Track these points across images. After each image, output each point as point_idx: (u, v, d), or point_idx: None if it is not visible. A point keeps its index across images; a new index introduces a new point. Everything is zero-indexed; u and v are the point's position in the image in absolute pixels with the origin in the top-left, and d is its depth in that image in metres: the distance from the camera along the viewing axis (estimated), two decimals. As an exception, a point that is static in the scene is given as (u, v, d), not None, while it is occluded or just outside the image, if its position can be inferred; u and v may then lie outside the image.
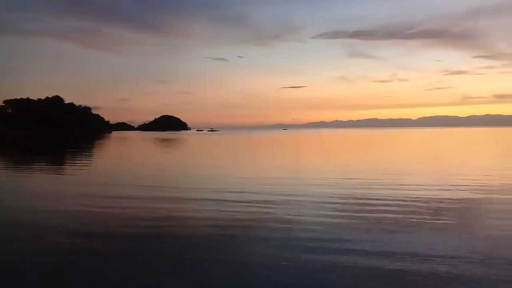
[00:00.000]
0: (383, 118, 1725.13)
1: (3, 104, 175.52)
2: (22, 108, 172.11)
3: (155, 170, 25.86)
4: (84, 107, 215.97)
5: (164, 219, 11.56)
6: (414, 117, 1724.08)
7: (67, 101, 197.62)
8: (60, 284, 6.92)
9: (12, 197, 15.57)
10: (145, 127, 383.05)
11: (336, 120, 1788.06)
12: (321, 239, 9.32)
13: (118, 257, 8.22)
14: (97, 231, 10.23)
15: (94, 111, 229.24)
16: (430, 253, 8.22)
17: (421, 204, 13.16)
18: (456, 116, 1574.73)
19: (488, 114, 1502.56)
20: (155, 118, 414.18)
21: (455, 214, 11.85)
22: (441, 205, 13.09)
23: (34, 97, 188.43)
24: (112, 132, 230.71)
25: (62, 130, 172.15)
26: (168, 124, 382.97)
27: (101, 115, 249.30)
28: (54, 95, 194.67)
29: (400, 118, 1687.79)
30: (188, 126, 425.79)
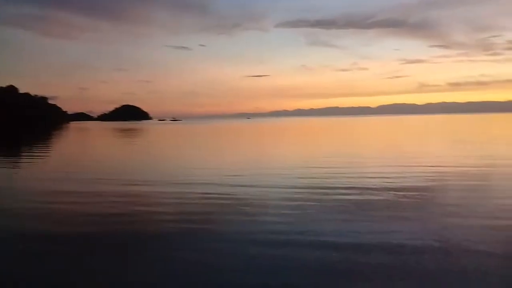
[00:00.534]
0: (344, 106, 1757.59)
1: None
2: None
3: (112, 163, 25.08)
4: (41, 97, 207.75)
5: (118, 215, 10.97)
6: (373, 105, 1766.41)
7: (22, 91, 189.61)
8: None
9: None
10: (105, 117, 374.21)
11: (299, 109, 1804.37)
12: (284, 231, 9.13)
13: (63, 257, 7.75)
14: (42, 230, 9.59)
15: (51, 101, 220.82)
16: (390, 241, 8.22)
17: (381, 192, 13.24)
18: (414, 104, 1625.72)
19: (443, 102, 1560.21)
20: (116, 108, 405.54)
21: (413, 202, 11.95)
22: (400, 193, 13.18)
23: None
24: (71, 122, 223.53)
25: (17, 121, 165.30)
26: (129, 113, 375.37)
27: (59, 105, 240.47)
28: (7, 84, 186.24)
29: (360, 106, 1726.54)
30: (150, 115, 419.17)
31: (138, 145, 43.78)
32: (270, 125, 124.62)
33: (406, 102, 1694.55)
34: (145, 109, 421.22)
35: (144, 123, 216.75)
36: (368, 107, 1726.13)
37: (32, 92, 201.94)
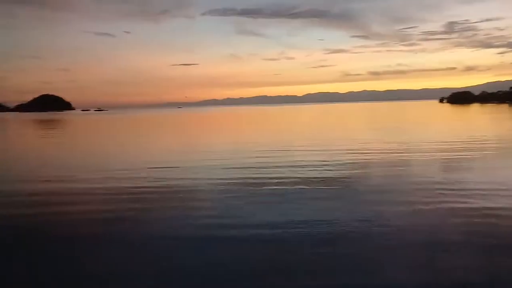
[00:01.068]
0: (272, 95, 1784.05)
1: None
2: None
3: (28, 159, 24.09)
4: None
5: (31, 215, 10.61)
6: (300, 94, 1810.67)
7: None
8: None
9: None
10: (23, 107, 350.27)
11: (228, 98, 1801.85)
12: (212, 224, 9.43)
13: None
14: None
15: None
16: (314, 219, 9.13)
17: (309, 179, 14.03)
18: (337, 93, 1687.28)
19: (364, 90, 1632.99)
20: (34, 98, 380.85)
21: (338, 187, 12.84)
22: (326, 178, 14.06)
23: None
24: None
25: None
26: (49, 104, 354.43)
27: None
28: None
29: (287, 95, 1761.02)
30: (73, 105, 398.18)
31: (58, 138, 41.95)
32: (201, 115, 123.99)
33: (330, 91, 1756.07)
34: (67, 99, 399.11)
35: (66, 113, 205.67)
36: (295, 96, 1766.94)
37: None
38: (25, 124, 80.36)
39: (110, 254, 7.68)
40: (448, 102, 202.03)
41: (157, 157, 22.11)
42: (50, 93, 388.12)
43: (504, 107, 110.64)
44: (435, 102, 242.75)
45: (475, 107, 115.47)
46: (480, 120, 51.67)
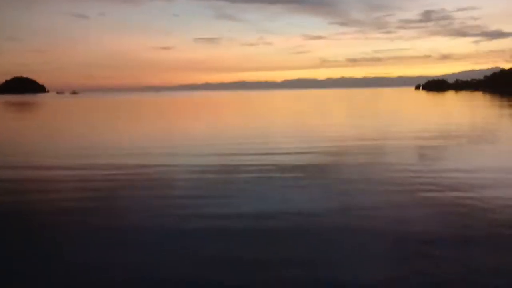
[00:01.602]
0: (251, 80, 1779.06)
1: None
2: None
3: None
4: None
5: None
6: (278, 80, 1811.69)
7: None
8: None
9: None
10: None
11: (207, 83, 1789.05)
12: (191, 205, 9.60)
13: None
14: None
15: None
16: (293, 207, 9.17)
17: (286, 164, 14.16)
18: (315, 79, 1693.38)
19: (342, 77, 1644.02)
20: (6, 80, 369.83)
21: (315, 172, 13.02)
22: (303, 163, 14.28)
23: None
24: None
25: None
26: (23, 86, 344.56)
27: None
28: None
29: (266, 81, 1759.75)
30: (47, 88, 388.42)
31: (28, 121, 40.86)
32: (181, 100, 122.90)
33: (308, 77, 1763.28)
34: (41, 81, 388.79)
35: (40, 96, 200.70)
36: (274, 82, 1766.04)
37: None
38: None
39: (81, 246, 7.44)
40: (424, 89, 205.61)
41: (132, 143, 21.61)
42: (25, 75, 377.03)
43: (478, 94, 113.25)
44: (411, 89, 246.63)
45: (450, 95, 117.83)
46: (454, 108, 52.77)
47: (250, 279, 5.99)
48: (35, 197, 10.82)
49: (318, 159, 15.70)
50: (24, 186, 12.15)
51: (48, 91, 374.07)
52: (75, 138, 24.57)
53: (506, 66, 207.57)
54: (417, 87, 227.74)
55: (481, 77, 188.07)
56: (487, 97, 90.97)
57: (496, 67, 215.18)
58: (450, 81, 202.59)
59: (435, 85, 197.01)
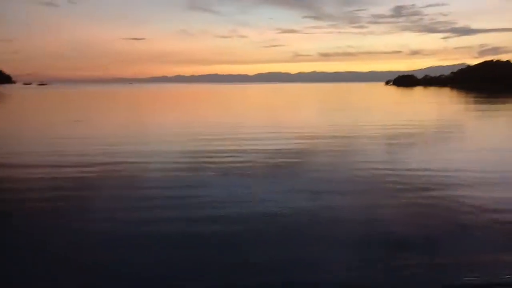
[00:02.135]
0: (224, 73, 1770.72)
1: None
2: None
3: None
4: None
5: None
6: (251, 73, 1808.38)
7: None
8: None
9: None
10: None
11: (179, 75, 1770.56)
12: (166, 205, 9.95)
13: None
14: None
15: None
16: (267, 204, 9.52)
17: (257, 160, 14.58)
18: (288, 73, 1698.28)
19: (314, 71, 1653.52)
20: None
21: (287, 167, 13.48)
22: (275, 159, 14.66)
23: None
24: None
25: None
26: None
27: None
28: None
29: (239, 74, 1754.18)
30: (13, 79, 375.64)
31: None
32: (151, 92, 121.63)
33: (281, 71, 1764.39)
34: (6, 71, 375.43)
35: (5, 87, 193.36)
36: (246, 75, 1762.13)
37: None
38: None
39: (47, 247, 7.26)
40: (393, 85, 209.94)
41: (100, 138, 20.89)
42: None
43: (446, 90, 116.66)
44: (382, 84, 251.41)
45: (418, 90, 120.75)
46: (422, 104, 54.62)
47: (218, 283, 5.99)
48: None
49: (286, 157, 15.51)
50: None
51: (15, 82, 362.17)
52: (32, 133, 23.79)
53: (473, 62, 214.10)
54: (387, 83, 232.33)
55: (448, 73, 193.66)
56: (454, 93, 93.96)
57: (463, 64, 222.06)
58: (419, 76, 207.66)
59: (405, 81, 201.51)
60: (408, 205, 9.36)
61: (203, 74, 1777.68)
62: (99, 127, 26.04)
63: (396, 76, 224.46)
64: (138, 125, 27.79)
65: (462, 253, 6.84)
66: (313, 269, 6.34)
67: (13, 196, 10.24)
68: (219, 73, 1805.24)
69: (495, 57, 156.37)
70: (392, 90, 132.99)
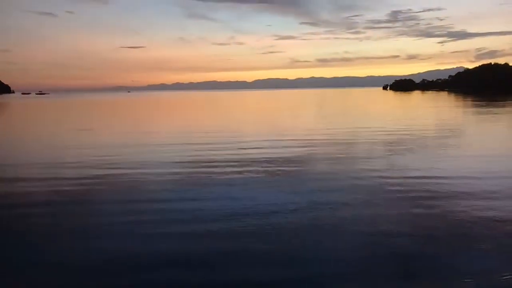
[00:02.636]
0: (222, 80, 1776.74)
1: None
2: None
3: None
4: None
5: None
6: (250, 80, 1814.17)
7: None
8: None
9: None
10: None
11: (177, 83, 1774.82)
12: (163, 209, 9.91)
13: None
14: None
15: None
16: (266, 206, 9.47)
17: (258, 165, 14.52)
18: (286, 79, 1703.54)
19: (312, 77, 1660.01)
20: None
21: (286, 172, 13.43)
22: (275, 165, 14.59)
23: None
24: None
25: None
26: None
27: None
28: None
29: (237, 81, 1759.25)
30: (12, 89, 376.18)
31: None
32: (153, 99, 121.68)
33: (279, 77, 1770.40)
34: (5, 81, 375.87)
35: (4, 97, 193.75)
36: (245, 82, 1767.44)
37: None
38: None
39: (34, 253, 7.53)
40: (391, 89, 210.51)
41: (97, 148, 21.09)
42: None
43: (443, 94, 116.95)
44: (380, 89, 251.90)
45: (416, 95, 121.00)
46: (420, 108, 54.69)
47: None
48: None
49: (286, 165, 15.74)
50: None
51: (13, 92, 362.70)
52: (42, 140, 23.83)
53: (470, 66, 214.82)
54: (385, 87, 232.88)
55: (446, 76, 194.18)
56: (452, 97, 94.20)
57: (461, 67, 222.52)
58: (417, 80, 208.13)
59: (402, 85, 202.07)
60: (410, 214, 9.32)
61: (201, 81, 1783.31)
62: (102, 136, 25.86)
63: (393, 80, 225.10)
64: (138, 134, 27.52)
65: (466, 266, 6.74)
66: (318, 283, 6.30)
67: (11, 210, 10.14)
68: (217, 80, 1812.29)
69: (492, 61, 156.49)
70: (390, 94, 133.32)
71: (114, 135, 27.25)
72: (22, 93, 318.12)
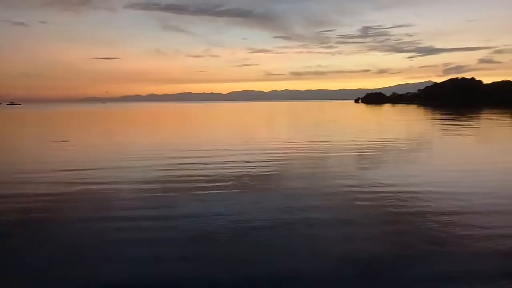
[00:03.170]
0: (197, 92, 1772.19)
1: None
2: None
3: None
4: None
5: None
6: (224, 92, 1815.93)
7: None
8: None
9: None
10: None
11: (152, 94, 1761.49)
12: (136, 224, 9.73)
13: None
14: None
15: None
16: (243, 218, 9.35)
17: (233, 177, 14.33)
18: (261, 91, 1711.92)
19: (286, 90, 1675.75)
20: None
21: (262, 183, 13.29)
22: (251, 176, 14.49)
23: None
24: None
25: None
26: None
27: None
28: None
29: (212, 93, 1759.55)
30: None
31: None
32: (126, 111, 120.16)
33: (254, 89, 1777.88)
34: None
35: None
36: (220, 94, 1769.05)
37: None
38: None
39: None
40: (363, 102, 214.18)
41: (70, 158, 20.88)
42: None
43: (413, 107, 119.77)
44: (351, 102, 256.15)
45: (387, 107, 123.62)
46: (390, 121, 55.81)
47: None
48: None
49: (267, 169, 16.41)
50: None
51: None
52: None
53: (438, 80, 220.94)
54: (356, 100, 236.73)
55: (415, 90, 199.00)
56: (421, 110, 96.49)
57: (429, 81, 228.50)
58: (387, 94, 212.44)
59: (373, 98, 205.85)
60: (381, 221, 9.60)
61: (176, 92, 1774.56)
62: (76, 147, 24.93)
63: (365, 93, 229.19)
64: (112, 146, 26.98)
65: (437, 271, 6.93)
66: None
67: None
68: (192, 91, 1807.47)
69: (459, 75, 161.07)
70: (362, 107, 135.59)
71: (80, 147, 26.61)
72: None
